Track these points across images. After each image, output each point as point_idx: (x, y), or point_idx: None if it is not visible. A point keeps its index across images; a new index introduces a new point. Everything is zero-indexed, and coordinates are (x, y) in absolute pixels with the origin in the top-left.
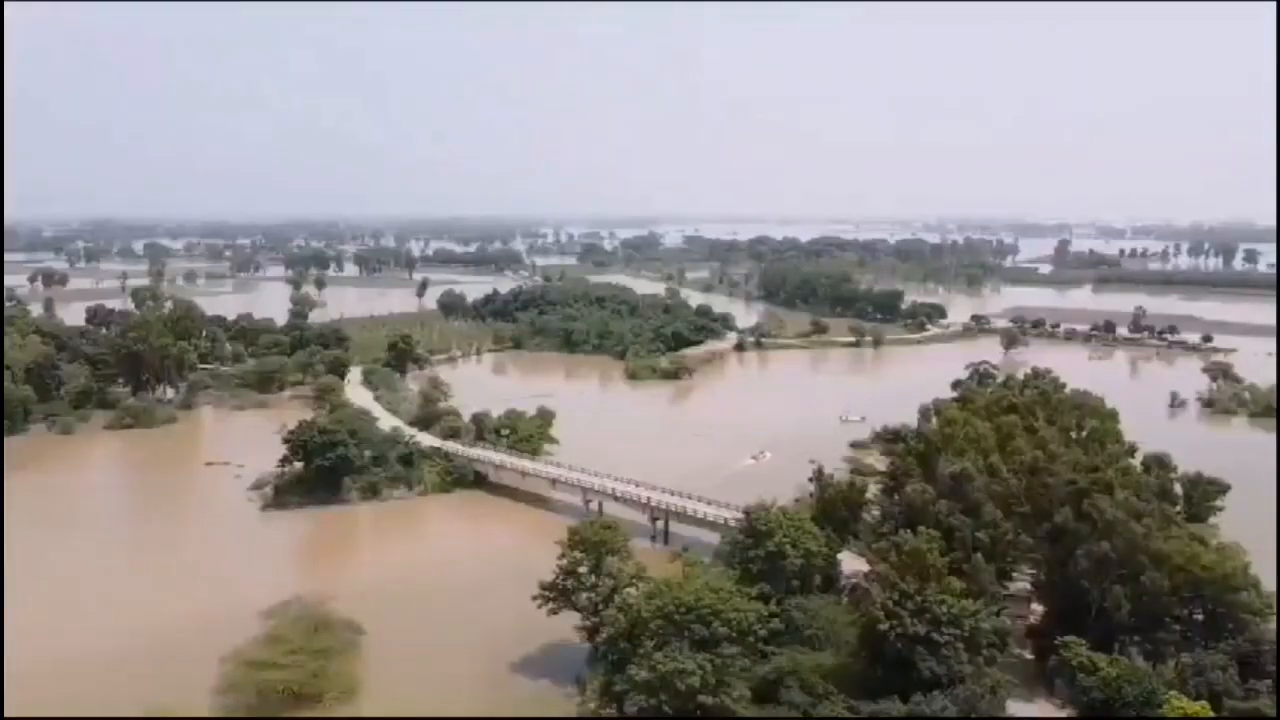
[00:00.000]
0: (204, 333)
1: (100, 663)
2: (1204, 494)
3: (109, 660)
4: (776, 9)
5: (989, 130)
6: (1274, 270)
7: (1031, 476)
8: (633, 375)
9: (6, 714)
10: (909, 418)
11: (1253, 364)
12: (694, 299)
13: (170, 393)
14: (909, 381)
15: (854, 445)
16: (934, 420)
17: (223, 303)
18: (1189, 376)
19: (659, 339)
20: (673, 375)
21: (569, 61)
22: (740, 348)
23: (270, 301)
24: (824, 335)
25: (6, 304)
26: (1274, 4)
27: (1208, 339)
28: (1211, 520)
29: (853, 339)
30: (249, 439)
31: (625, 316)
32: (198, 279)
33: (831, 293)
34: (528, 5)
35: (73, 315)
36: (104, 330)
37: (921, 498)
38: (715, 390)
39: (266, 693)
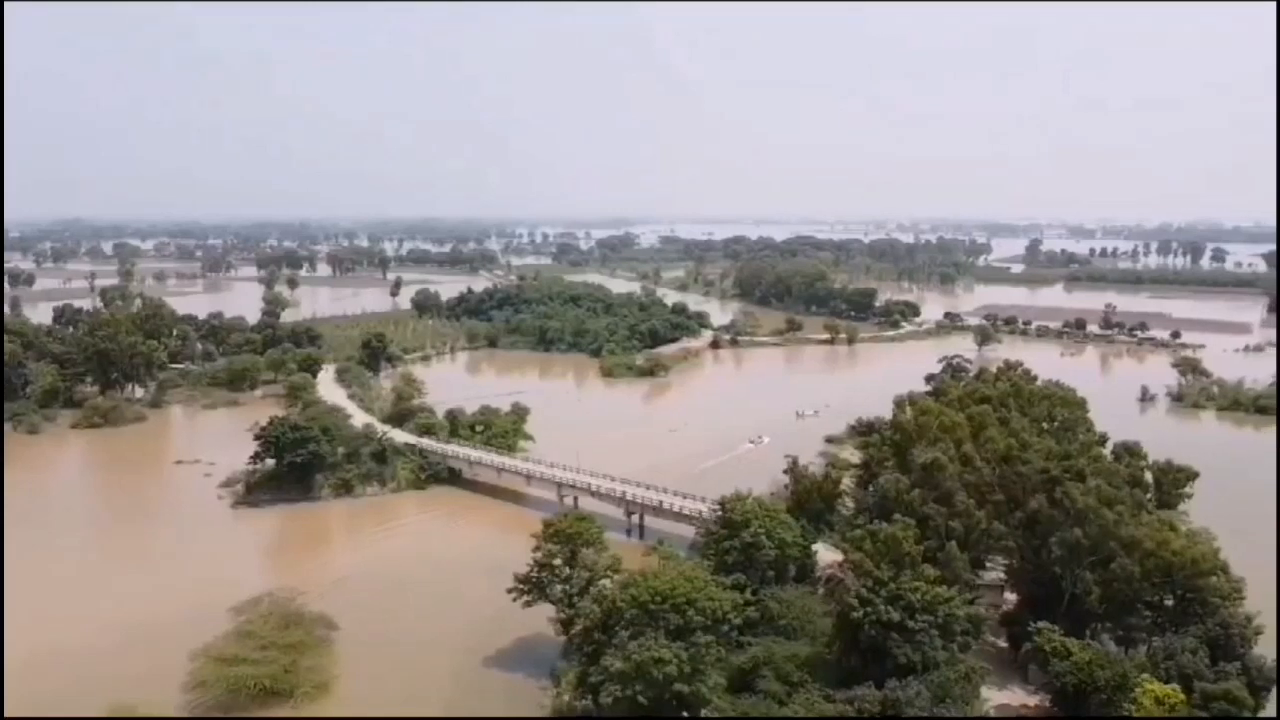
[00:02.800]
0: (174, 331)
1: (66, 660)
2: (1174, 481)
3: (75, 658)
4: (747, 10)
5: (960, 135)
6: (1240, 269)
7: (1004, 465)
8: (608, 373)
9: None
10: (882, 411)
11: (1220, 359)
12: (670, 298)
13: (139, 391)
14: (882, 377)
15: (829, 439)
16: (908, 411)
17: (194, 302)
18: (1159, 372)
19: (634, 337)
20: (648, 373)
21: (542, 63)
22: (716, 345)
23: (242, 301)
24: (799, 333)
25: None
26: (1272, 4)
27: (1176, 335)
28: (1181, 507)
29: (827, 336)
30: (220, 437)
31: (600, 315)
32: (168, 279)
33: (806, 291)
34: (500, 5)
35: (40, 315)
36: (71, 329)
37: (895, 487)
38: (691, 387)
39: (237, 689)
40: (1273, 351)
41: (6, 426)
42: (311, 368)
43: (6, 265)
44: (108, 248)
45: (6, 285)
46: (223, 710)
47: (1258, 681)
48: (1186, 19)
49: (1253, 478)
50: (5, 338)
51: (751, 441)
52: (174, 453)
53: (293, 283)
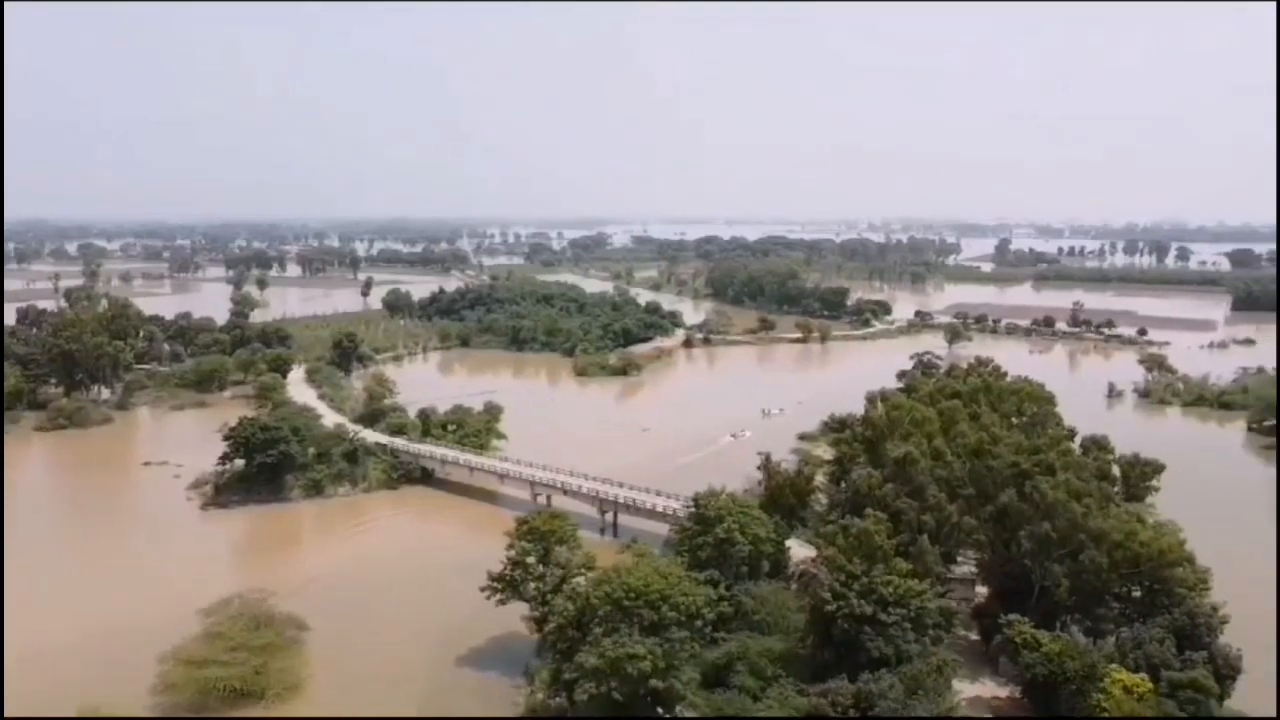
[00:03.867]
0: (140, 332)
1: (33, 664)
2: (1141, 474)
3: (41, 661)
4: (718, 11)
5: (938, 139)
6: (1205, 267)
7: (975, 459)
8: (581, 372)
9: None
10: (855, 409)
11: (1186, 356)
12: (643, 297)
13: (105, 393)
14: (855, 375)
15: (802, 436)
16: (880, 407)
17: (161, 303)
18: (1125, 368)
19: (608, 336)
20: (621, 372)
21: (515, 63)
22: (689, 344)
23: (210, 302)
24: (771, 332)
25: None
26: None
27: (1143, 332)
28: (1148, 500)
29: (800, 335)
30: (188, 438)
31: (573, 314)
32: (134, 280)
33: (778, 290)
34: (474, 5)
35: None
36: (35, 330)
37: (868, 482)
38: (664, 386)
39: (207, 691)
40: (1236, 348)
41: None
42: (281, 368)
43: None
44: (72, 248)
45: None
46: (193, 712)
47: (1224, 670)
48: (1157, 27)
49: (1217, 472)
50: None
51: (733, 435)
52: (141, 454)
53: (262, 283)
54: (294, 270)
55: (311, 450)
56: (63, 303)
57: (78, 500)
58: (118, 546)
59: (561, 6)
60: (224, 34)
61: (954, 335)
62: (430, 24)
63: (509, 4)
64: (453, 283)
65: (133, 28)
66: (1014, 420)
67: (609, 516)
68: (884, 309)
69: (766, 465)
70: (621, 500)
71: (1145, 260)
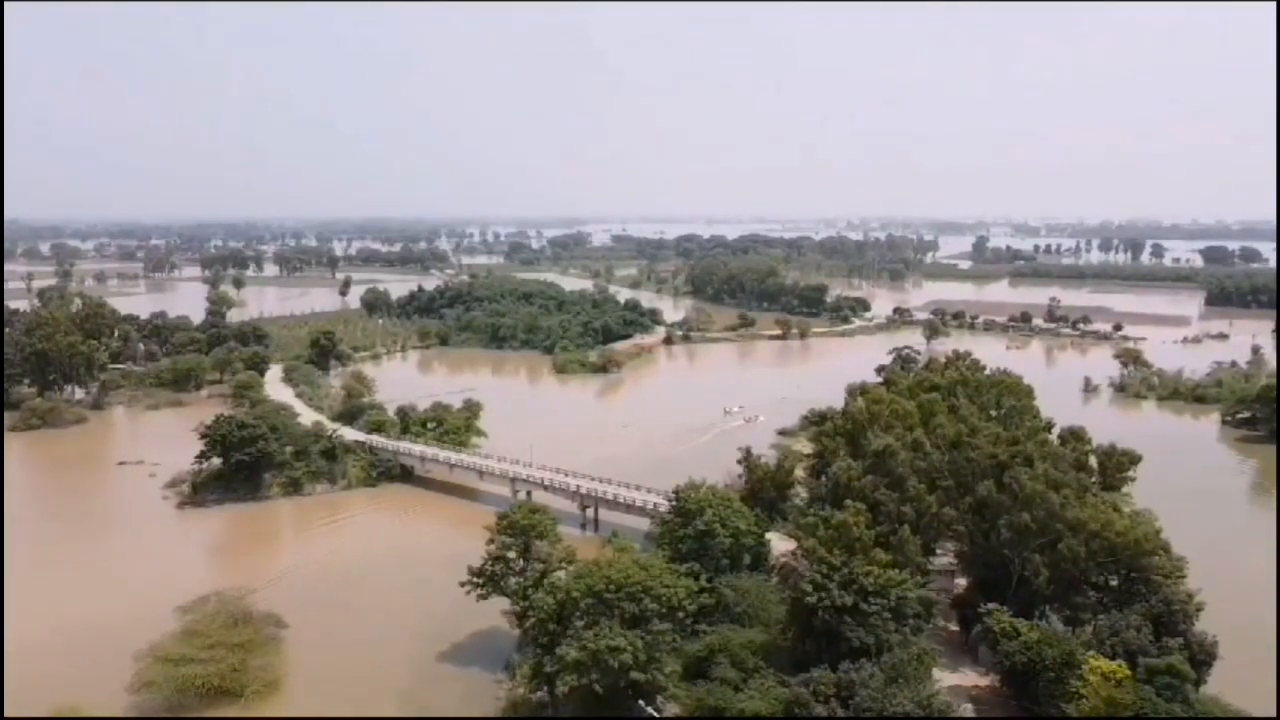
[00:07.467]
0: (115, 331)
1: (7, 663)
2: (1117, 465)
3: (16, 661)
4: (690, 11)
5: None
6: (1179, 264)
7: (954, 451)
8: (561, 369)
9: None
10: (834, 404)
11: (1160, 351)
12: (622, 295)
13: (79, 393)
14: (834, 370)
15: (781, 432)
16: (860, 400)
17: (136, 303)
18: (1101, 363)
19: (587, 333)
20: (601, 369)
21: (493, 63)
22: (669, 341)
23: (186, 301)
24: (751, 329)
25: None
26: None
27: (1118, 328)
28: (1124, 490)
29: (779, 332)
30: (164, 438)
31: (553, 312)
32: (109, 280)
33: (758, 287)
34: (452, 5)
35: None
36: (7, 329)
37: (848, 473)
38: (644, 383)
39: (184, 689)
40: (1210, 343)
41: None
42: (259, 367)
43: None
44: (45, 248)
45: None
46: (170, 711)
47: (1199, 656)
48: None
49: (1192, 463)
50: None
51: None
52: (117, 454)
53: (238, 282)
54: (271, 270)
55: (289, 448)
56: (36, 302)
57: (52, 500)
58: (92, 545)
59: (537, 6)
60: (197, 32)
61: (932, 331)
62: (407, 23)
63: (483, 4)
64: (431, 281)
65: (103, 24)
66: (992, 412)
67: (590, 512)
68: (863, 306)
69: (747, 459)
70: (602, 495)
71: (1120, 257)
